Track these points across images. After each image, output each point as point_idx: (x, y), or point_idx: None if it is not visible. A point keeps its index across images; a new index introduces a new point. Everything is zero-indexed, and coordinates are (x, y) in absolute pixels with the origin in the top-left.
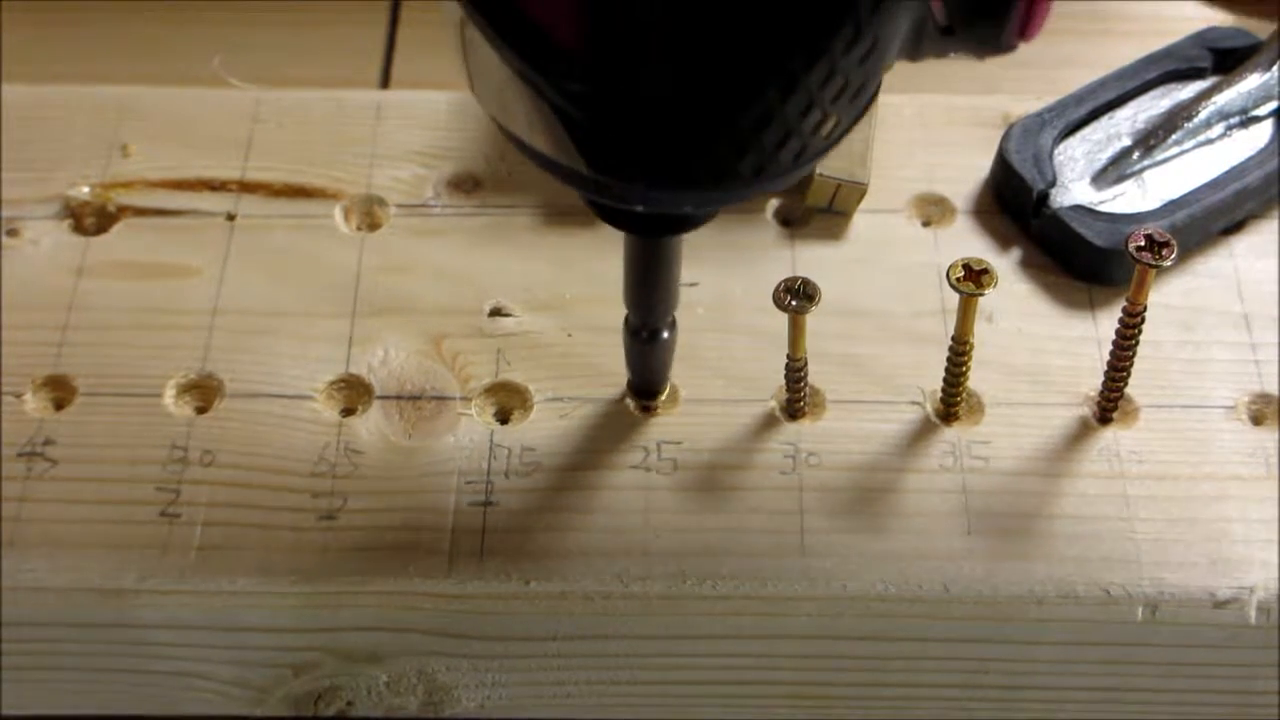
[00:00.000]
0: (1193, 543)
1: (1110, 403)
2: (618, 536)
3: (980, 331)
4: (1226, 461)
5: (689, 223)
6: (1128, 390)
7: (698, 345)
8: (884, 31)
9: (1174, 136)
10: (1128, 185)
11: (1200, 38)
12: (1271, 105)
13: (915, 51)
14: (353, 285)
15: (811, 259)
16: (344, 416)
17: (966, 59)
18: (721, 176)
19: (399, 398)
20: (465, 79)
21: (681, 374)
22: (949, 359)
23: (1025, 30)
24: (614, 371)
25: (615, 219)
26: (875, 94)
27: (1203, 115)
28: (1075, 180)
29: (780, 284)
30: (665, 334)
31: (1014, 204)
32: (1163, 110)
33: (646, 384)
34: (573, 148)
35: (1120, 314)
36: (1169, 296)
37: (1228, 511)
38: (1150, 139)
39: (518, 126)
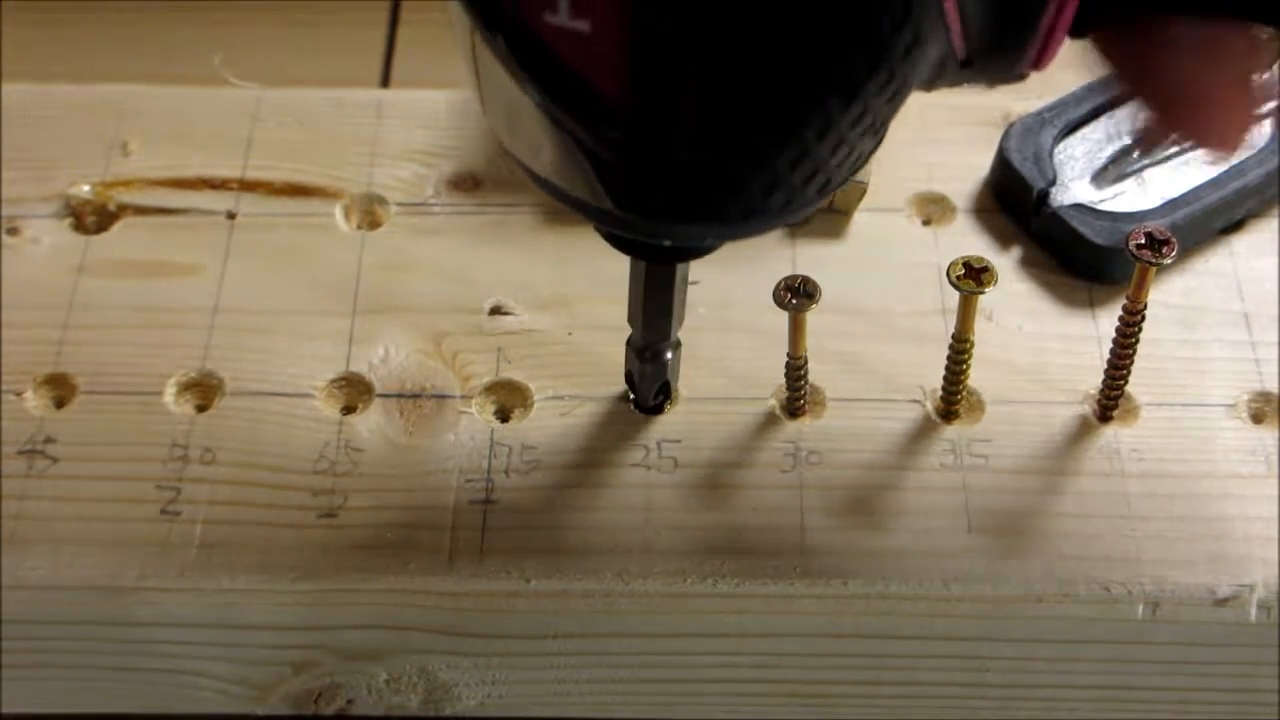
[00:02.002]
0: (1193, 540)
1: (1110, 401)
2: (618, 534)
3: (980, 330)
4: (1226, 460)
5: (701, 251)
6: (1128, 388)
7: (698, 344)
8: (912, 71)
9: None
10: (1128, 184)
11: None
12: (1271, 104)
13: (932, 84)
14: (353, 284)
15: (812, 257)
16: (344, 415)
17: (978, 88)
18: (751, 213)
19: (399, 396)
20: (476, 98)
21: (682, 373)
22: (949, 357)
23: (1040, 61)
24: (614, 370)
25: (626, 247)
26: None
27: None
28: (1075, 179)
29: (781, 282)
30: (668, 354)
31: (1014, 203)
32: None
33: (649, 402)
34: (599, 187)
35: (1120, 312)
36: (1169, 295)
37: (1228, 509)
38: None
39: (533, 160)
